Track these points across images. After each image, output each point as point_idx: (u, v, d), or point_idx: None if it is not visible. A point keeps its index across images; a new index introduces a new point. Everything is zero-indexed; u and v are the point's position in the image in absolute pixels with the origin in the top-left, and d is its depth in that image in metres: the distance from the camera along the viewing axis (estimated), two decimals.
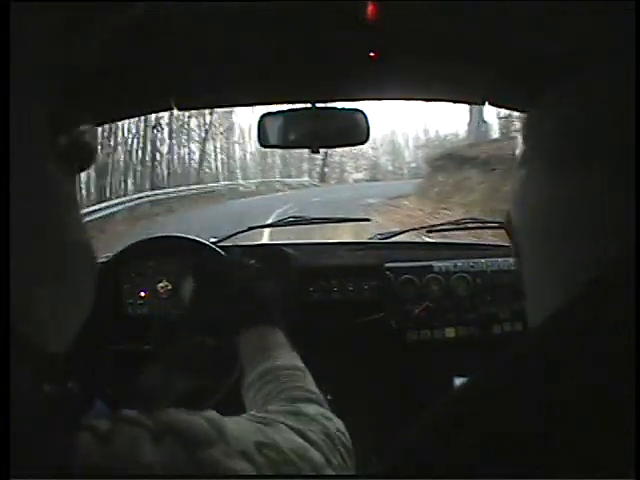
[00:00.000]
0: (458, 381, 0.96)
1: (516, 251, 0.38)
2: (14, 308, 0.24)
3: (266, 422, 0.41)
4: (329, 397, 0.57)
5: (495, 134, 17.45)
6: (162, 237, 1.30)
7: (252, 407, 0.55)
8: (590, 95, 0.32)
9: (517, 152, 0.38)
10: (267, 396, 0.55)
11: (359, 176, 34.78)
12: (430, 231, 1.55)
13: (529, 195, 0.35)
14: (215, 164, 27.23)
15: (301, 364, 0.61)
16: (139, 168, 20.04)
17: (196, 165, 24.27)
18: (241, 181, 22.85)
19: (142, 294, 1.27)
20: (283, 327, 0.69)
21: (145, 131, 20.01)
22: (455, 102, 1.21)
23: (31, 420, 0.23)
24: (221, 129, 27.28)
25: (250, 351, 0.65)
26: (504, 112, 11.37)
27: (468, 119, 17.42)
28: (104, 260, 1.28)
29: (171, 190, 15.54)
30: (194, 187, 17.24)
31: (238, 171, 28.89)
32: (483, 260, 1.35)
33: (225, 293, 0.78)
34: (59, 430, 0.25)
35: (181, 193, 15.29)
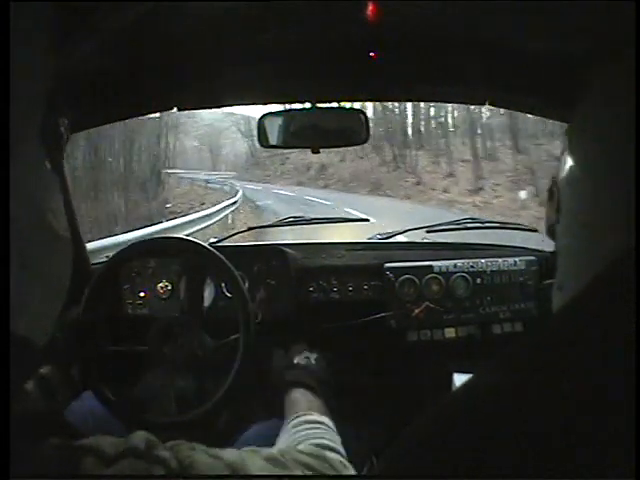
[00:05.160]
0: (458, 378, 0.96)
1: (561, 251, 0.38)
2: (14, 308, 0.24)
3: (287, 464, 0.48)
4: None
5: None
6: (162, 238, 1.30)
7: (284, 444, 0.68)
8: (601, 97, 0.32)
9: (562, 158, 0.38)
10: (300, 439, 0.68)
11: None
12: (430, 231, 1.54)
13: (573, 192, 0.35)
14: None
15: (330, 422, 0.75)
16: None
17: None
18: None
19: (142, 294, 1.27)
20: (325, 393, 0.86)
21: None
22: (456, 102, 1.21)
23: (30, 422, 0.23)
24: None
25: (292, 406, 0.82)
26: None
27: None
28: (104, 260, 1.27)
29: None
30: None
31: None
32: (483, 260, 1.34)
33: None
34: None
35: None
